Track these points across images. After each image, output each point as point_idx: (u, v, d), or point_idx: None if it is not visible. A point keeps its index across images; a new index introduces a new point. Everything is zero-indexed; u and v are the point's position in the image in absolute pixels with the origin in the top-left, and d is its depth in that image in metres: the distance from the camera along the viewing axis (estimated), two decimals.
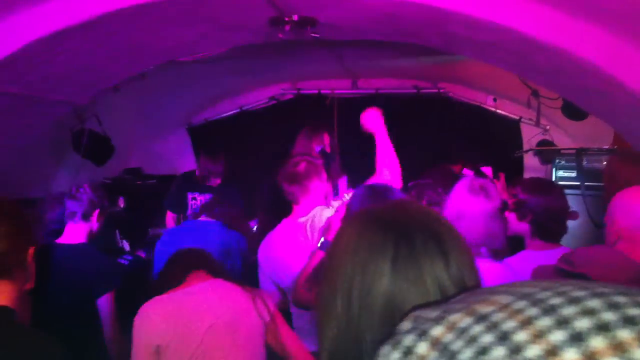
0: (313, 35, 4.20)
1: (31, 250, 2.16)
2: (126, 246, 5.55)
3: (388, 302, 1.13)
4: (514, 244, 3.58)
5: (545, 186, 3.65)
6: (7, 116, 4.36)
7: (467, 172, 5.89)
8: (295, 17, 3.93)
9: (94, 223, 3.88)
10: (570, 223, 3.83)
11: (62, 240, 3.78)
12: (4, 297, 2.04)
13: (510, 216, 3.50)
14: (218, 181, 5.89)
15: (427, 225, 1.22)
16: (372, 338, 1.12)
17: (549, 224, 3.42)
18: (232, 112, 7.83)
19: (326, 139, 5.60)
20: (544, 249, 3.41)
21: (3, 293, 2.04)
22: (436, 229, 1.21)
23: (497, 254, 3.11)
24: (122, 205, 6.26)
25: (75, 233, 3.81)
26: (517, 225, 3.49)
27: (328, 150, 5.57)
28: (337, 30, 4.24)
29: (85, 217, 3.84)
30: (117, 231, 5.53)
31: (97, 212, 3.88)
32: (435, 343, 0.71)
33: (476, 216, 3.04)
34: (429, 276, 1.14)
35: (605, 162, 5.76)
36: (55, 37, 3.67)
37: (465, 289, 1.15)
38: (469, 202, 3.08)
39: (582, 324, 0.60)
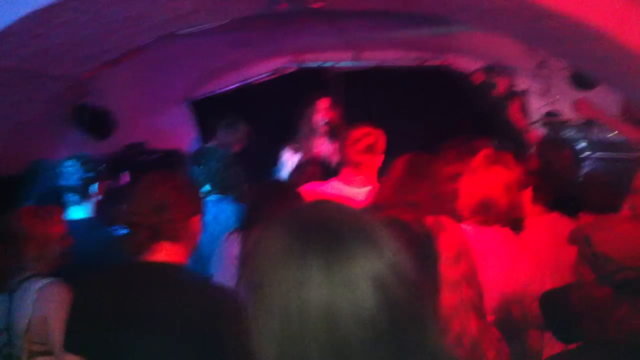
0: (314, 5, 4.12)
1: (197, 218, 2.51)
2: None
3: (328, 312, 1.05)
4: None
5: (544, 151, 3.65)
6: (5, 91, 4.30)
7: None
8: None
9: (97, 195, 3.83)
10: None
11: (69, 215, 3.74)
12: (177, 256, 2.42)
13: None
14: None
15: (352, 222, 1.15)
16: (320, 353, 1.05)
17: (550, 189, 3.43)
18: (234, 85, 7.74)
19: (331, 111, 5.55)
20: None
21: (175, 253, 2.42)
22: (364, 225, 1.15)
23: (517, 225, 3.07)
24: (125, 180, 6.22)
25: (79, 210, 3.77)
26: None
27: (335, 122, 5.52)
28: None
29: (84, 195, 3.79)
30: (122, 206, 5.49)
31: (97, 184, 3.82)
32: None
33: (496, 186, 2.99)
34: (362, 275, 1.07)
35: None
36: (52, 9, 3.60)
37: (406, 283, 1.10)
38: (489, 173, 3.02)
39: None
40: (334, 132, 5.54)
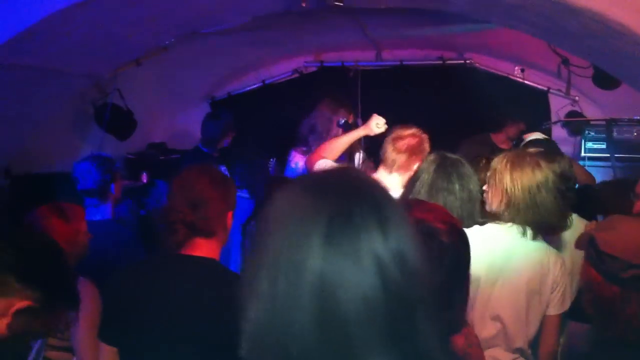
0: (337, 3, 4.11)
1: (230, 214, 2.57)
2: None
3: (319, 281, 1.01)
4: None
5: (556, 153, 3.61)
6: (28, 89, 4.34)
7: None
8: None
9: (114, 196, 3.85)
10: None
11: (87, 217, 3.76)
12: (209, 252, 2.47)
13: None
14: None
15: (366, 195, 1.11)
16: (302, 319, 1.01)
17: (565, 191, 3.35)
18: (255, 85, 7.75)
19: (348, 112, 5.50)
20: None
21: (210, 248, 2.48)
22: (376, 199, 1.11)
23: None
24: (145, 181, 6.25)
25: (98, 212, 3.79)
26: None
27: (350, 121, 5.48)
28: None
29: (103, 197, 3.80)
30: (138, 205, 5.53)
31: (112, 186, 3.84)
32: None
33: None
34: (366, 252, 1.03)
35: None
36: (76, 8, 3.63)
37: (406, 268, 1.06)
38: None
39: None
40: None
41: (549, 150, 3.80)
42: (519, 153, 3.10)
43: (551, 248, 3.05)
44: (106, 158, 4.00)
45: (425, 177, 3.21)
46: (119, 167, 4.12)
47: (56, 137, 5.31)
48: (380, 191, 1.14)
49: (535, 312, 2.92)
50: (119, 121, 5.68)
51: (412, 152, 3.79)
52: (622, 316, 1.94)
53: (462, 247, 1.70)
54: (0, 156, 4.61)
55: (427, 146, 3.85)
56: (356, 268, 1.02)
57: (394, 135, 3.85)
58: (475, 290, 2.82)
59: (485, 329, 2.88)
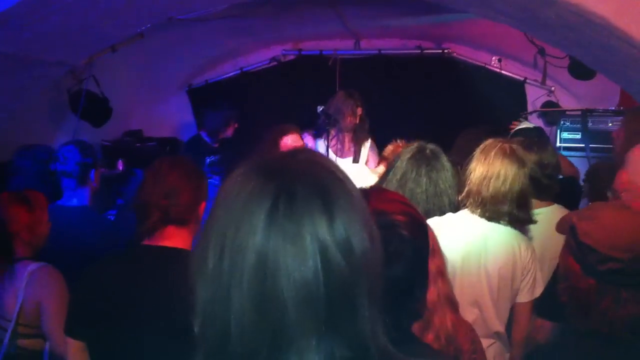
0: None
1: (203, 205, 2.59)
2: None
3: (260, 261, 1.01)
4: None
5: (537, 143, 3.63)
6: (1, 78, 4.28)
7: None
8: None
9: (93, 183, 3.81)
10: None
11: (63, 202, 3.72)
12: (182, 242, 2.49)
13: None
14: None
15: (314, 178, 1.09)
16: (241, 297, 1.02)
17: (543, 180, 3.42)
18: (233, 73, 7.71)
19: (356, 104, 5.61)
20: (541, 207, 3.39)
21: (182, 238, 2.50)
22: (325, 182, 1.09)
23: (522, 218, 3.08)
24: (120, 168, 6.20)
25: (75, 199, 3.75)
26: None
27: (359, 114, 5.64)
28: None
29: (82, 181, 3.76)
30: (117, 193, 5.49)
31: (92, 172, 3.80)
32: None
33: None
34: (308, 235, 1.02)
35: (617, 123, 5.70)
36: None
37: (351, 256, 1.05)
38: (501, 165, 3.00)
39: None
40: (357, 135, 5.74)
41: (535, 139, 3.81)
42: (492, 143, 3.11)
43: (522, 235, 3.10)
44: (89, 144, 3.99)
45: (398, 166, 3.25)
46: (100, 157, 4.08)
47: (30, 125, 5.25)
48: (331, 175, 1.12)
49: (506, 297, 2.97)
50: (94, 108, 5.63)
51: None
52: (596, 308, 1.94)
53: (422, 239, 1.70)
54: None
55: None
56: (297, 251, 1.02)
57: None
58: (452, 278, 2.84)
59: (464, 315, 2.91)
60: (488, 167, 2.98)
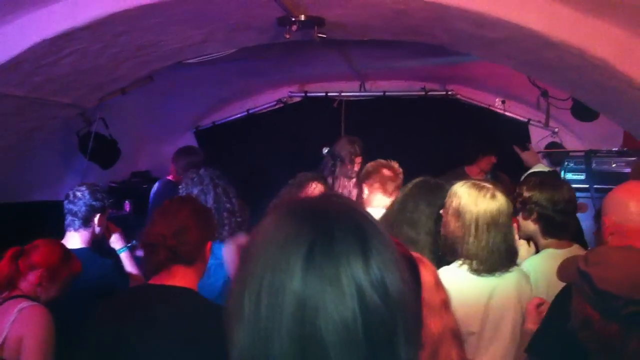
0: (320, 35, 4.17)
1: (209, 244, 2.62)
2: None
3: (298, 304, 1.02)
4: None
5: (548, 180, 3.59)
6: (13, 119, 4.35)
7: None
8: (302, 17, 3.90)
9: (96, 227, 3.82)
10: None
11: (64, 242, 3.72)
12: (188, 281, 2.51)
13: (520, 218, 3.42)
14: None
15: (348, 220, 1.10)
16: (282, 342, 1.01)
17: (557, 217, 3.30)
18: (240, 114, 7.80)
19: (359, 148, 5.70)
20: (562, 247, 3.29)
21: (189, 278, 2.52)
22: (359, 224, 1.10)
23: (515, 259, 3.07)
24: (128, 209, 6.23)
25: (76, 239, 3.76)
26: (526, 225, 3.42)
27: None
28: (345, 29, 4.22)
29: (86, 222, 3.78)
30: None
31: (98, 216, 3.82)
32: None
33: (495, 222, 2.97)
34: (345, 277, 1.03)
35: (620, 163, 5.72)
36: (61, 38, 3.66)
37: (387, 296, 1.05)
38: (485, 208, 2.99)
39: None
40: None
41: (548, 177, 3.78)
42: (473, 184, 3.09)
43: (522, 270, 3.10)
44: (104, 189, 4.04)
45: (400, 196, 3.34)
46: (111, 203, 4.11)
47: (40, 166, 5.30)
48: (362, 217, 1.14)
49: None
50: (102, 150, 5.68)
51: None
52: (625, 352, 1.94)
53: (414, 277, 1.73)
54: None
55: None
56: (336, 293, 1.02)
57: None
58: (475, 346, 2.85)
59: None
60: (477, 216, 2.94)
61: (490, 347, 2.92)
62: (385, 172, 4.18)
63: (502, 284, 2.96)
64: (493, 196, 2.96)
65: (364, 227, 1.10)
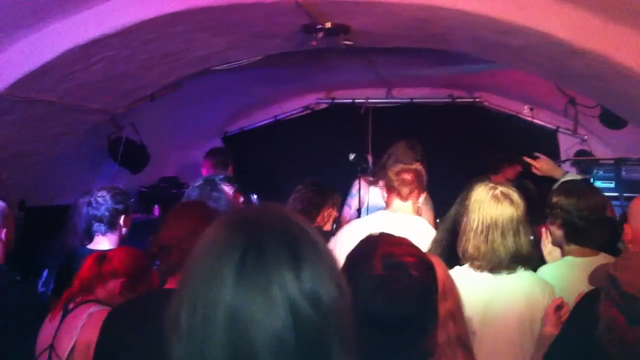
0: (346, 42, 4.20)
1: None
2: None
3: (231, 315, 1.03)
4: None
5: (576, 187, 3.58)
6: (44, 124, 4.43)
7: None
8: (328, 25, 3.93)
9: (122, 228, 3.87)
10: None
11: (92, 246, 3.78)
12: None
13: (548, 224, 3.42)
14: None
15: (281, 231, 1.11)
16: (215, 354, 1.03)
17: (579, 223, 3.25)
18: (267, 121, 7.86)
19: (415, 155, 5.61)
20: (583, 255, 3.24)
21: None
22: (292, 235, 1.11)
23: (525, 263, 3.05)
24: (157, 214, 6.30)
25: (105, 244, 3.81)
26: (554, 231, 3.40)
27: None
28: (370, 37, 4.24)
29: (112, 226, 3.82)
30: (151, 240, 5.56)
31: (122, 217, 3.86)
32: None
33: (505, 225, 2.98)
34: (276, 287, 1.04)
35: None
36: (91, 45, 3.74)
37: (320, 306, 1.06)
38: (492, 210, 3.00)
39: None
40: None
41: (576, 185, 3.75)
42: (488, 186, 3.11)
43: (538, 276, 3.07)
44: (123, 191, 4.05)
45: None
46: (133, 203, 4.15)
47: (70, 170, 5.38)
48: (297, 228, 1.14)
49: (529, 345, 2.93)
50: (132, 155, 5.76)
51: (420, 182, 4.01)
52: None
53: (430, 279, 1.74)
54: (16, 189, 4.69)
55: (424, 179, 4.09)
56: (267, 305, 1.03)
57: (400, 168, 4.00)
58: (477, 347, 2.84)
59: None
60: (483, 217, 2.97)
61: (492, 349, 2.91)
62: (401, 176, 4.12)
63: (506, 285, 2.96)
64: (503, 199, 2.97)
65: (297, 238, 1.11)
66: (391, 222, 3.78)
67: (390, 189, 4.05)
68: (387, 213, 4.03)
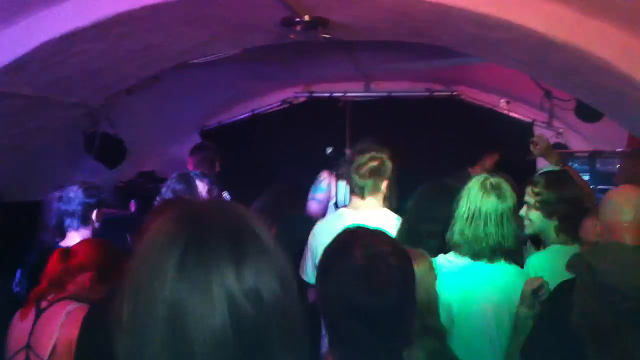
0: (324, 35, 4.20)
1: None
2: None
3: (170, 310, 1.02)
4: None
5: (569, 180, 3.66)
6: (20, 118, 4.38)
7: None
8: (306, 18, 3.92)
9: (95, 223, 3.84)
10: None
11: (65, 243, 3.73)
12: None
13: (533, 215, 3.50)
14: None
15: (224, 228, 1.10)
16: (154, 348, 1.03)
17: (576, 215, 3.40)
18: (245, 115, 7.83)
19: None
20: (567, 244, 3.39)
21: None
22: (234, 231, 1.10)
23: (509, 254, 3.09)
24: (133, 209, 6.26)
25: (77, 239, 3.77)
26: (541, 222, 3.48)
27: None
28: (349, 30, 4.24)
29: (84, 221, 3.79)
30: (128, 235, 5.53)
31: (94, 212, 3.83)
32: None
33: (488, 215, 3.02)
34: (216, 284, 1.03)
35: (618, 165, 5.74)
36: (68, 38, 3.69)
37: (260, 304, 1.06)
38: (478, 199, 3.05)
39: None
40: None
41: (554, 176, 3.81)
42: (479, 178, 3.16)
43: (520, 269, 3.14)
44: (94, 185, 4.01)
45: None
46: (107, 197, 4.12)
47: (47, 165, 5.33)
48: (242, 224, 1.14)
49: (506, 335, 2.96)
50: (108, 149, 5.71)
51: (376, 174, 3.83)
52: (617, 346, 1.97)
53: (408, 267, 1.77)
54: None
55: (389, 164, 3.89)
56: (205, 301, 1.03)
57: (355, 164, 3.89)
58: (450, 324, 2.87)
59: None
60: (470, 205, 3.05)
61: (468, 336, 2.95)
62: (358, 172, 3.99)
63: (486, 275, 3.03)
64: (492, 190, 3.06)
65: (240, 233, 1.11)
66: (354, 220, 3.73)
67: (351, 191, 3.99)
68: (349, 211, 3.93)
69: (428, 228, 3.38)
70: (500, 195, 3.05)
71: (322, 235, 3.60)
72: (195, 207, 1.19)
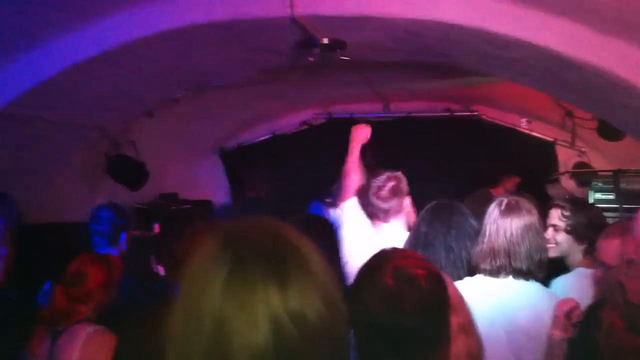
0: (343, 58, 4.21)
1: None
2: (161, 271, 5.55)
3: (216, 327, 1.05)
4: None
5: (593, 206, 3.68)
6: (42, 141, 4.44)
7: None
8: (325, 40, 3.94)
9: (123, 245, 3.88)
10: None
11: None
12: None
13: (561, 238, 3.51)
14: None
15: (269, 247, 1.12)
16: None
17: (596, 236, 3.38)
18: (265, 136, 7.86)
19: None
20: (591, 267, 3.30)
21: None
22: (279, 252, 1.12)
23: (535, 272, 3.05)
24: (157, 231, 6.28)
25: None
26: (569, 245, 3.50)
27: None
28: (366, 52, 4.25)
29: (112, 241, 3.84)
30: (151, 256, 5.54)
31: (123, 234, 3.88)
32: None
33: (511, 233, 2.99)
34: (260, 303, 1.05)
35: None
36: (90, 63, 3.75)
37: (305, 324, 1.07)
38: (500, 220, 3.02)
39: None
40: None
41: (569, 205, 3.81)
42: (506, 199, 3.13)
43: (546, 289, 3.07)
44: (123, 208, 4.10)
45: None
46: (134, 219, 4.19)
47: (67, 187, 5.38)
48: (287, 244, 1.15)
49: (529, 356, 2.91)
50: (130, 172, 5.76)
51: (397, 193, 3.80)
52: None
53: (441, 291, 1.75)
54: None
55: (405, 183, 3.86)
56: (249, 319, 1.05)
57: (373, 188, 3.85)
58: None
59: None
60: (491, 225, 3.01)
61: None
62: (377, 195, 3.95)
63: (512, 295, 2.96)
64: (512, 209, 3.01)
65: (284, 254, 1.12)
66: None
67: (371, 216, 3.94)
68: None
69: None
70: (520, 213, 3.02)
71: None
72: (242, 227, 1.21)
